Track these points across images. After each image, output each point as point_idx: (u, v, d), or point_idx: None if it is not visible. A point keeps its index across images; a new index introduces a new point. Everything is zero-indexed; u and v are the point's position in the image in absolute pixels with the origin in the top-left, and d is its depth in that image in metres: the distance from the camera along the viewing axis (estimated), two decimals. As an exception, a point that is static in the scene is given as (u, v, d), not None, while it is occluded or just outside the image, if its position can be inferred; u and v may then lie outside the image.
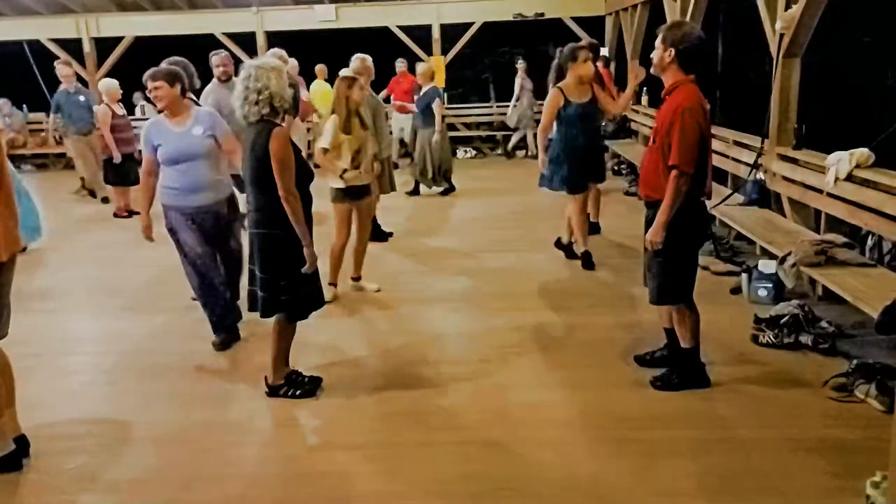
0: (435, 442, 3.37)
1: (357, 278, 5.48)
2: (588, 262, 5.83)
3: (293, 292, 3.58)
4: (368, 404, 3.76)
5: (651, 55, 3.59)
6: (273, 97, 3.40)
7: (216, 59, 6.33)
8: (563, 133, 5.69)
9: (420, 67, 9.14)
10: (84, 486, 3.11)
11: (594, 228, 6.91)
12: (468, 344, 4.49)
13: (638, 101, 10.80)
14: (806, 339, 4.15)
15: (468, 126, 13.67)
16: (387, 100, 10.79)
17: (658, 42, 3.51)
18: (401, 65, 11.33)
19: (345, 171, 4.93)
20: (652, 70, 3.61)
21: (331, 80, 11.58)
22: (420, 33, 12.97)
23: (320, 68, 11.63)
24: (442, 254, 6.47)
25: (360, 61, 6.93)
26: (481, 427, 3.48)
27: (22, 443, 3.28)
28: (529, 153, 12.14)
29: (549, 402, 3.69)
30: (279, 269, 3.55)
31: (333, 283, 5.25)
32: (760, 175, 6.03)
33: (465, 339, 4.56)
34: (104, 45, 13.21)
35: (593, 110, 5.77)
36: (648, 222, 3.61)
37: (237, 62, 5.88)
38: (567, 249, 6.20)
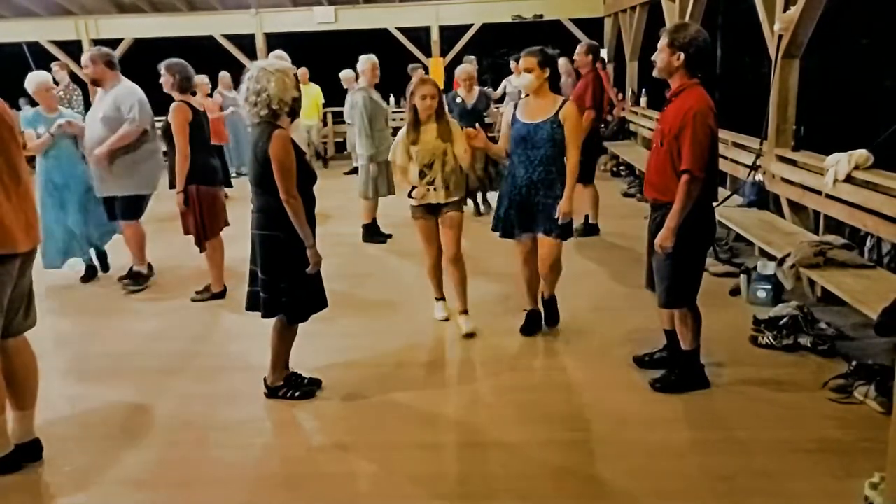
0: (434, 443, 3.38)
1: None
2: (529, 325, 4.60)
3: (293, 294, 3.58)
4: (368, 406, 3.76)
5: (653, 58, 3.55)
6: (271, 99, 3.39)
7: None
8: (509, 159, 4.39)
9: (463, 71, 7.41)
10: (82, 487, 3.11)
11: (593, 230, 6.92)
12: (467, 345, 4.49)
13: (637, 103, 10.82)
14: (805, 340, 4.15)
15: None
16: None
17: (664, 45, 3.46)
18: (416, 72, 11.10)
19: (413, 188, 4.45)
20: (655, 74, 3.58)
21: (330, 81, 11.64)
22: (419, 35, 13.00)
23: (303, 72, 11.52)
24: (441, 255, 6.46)
25: (368, 62, 6.94)
26: (481, 428, 3.48)
27: (35, 447, 3.27)
28: None
29: (549, 404, 3.69)
30: (279, 270, 3.55)
31: (439, 297, 4.92)
32: (759, 176, 6.04)
33: (465, 340, 4.55)
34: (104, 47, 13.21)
35: (544, 135, 4.13)
36: (656, 225, 3.59)
37: (239, 67, 5.89)
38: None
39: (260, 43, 12.78)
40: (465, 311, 4.69)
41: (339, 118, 12.57)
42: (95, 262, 6.17)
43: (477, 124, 4.39)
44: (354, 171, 10.54)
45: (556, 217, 4.18)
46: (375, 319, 4.99)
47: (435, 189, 4.45)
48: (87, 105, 10.46)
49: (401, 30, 12.85)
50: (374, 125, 6.70)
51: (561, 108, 4.16)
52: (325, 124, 12.06)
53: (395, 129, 8.89)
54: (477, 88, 7.50)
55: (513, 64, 11.11)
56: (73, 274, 6.12)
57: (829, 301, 4.63)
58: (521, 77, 4.21)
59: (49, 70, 9.99)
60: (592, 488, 2.98)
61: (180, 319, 5.11)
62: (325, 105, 12.15)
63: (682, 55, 3.41)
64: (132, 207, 5.62)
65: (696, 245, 3.59)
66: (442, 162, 4.40)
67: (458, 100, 7.38)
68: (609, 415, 3.56)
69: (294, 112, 3.53)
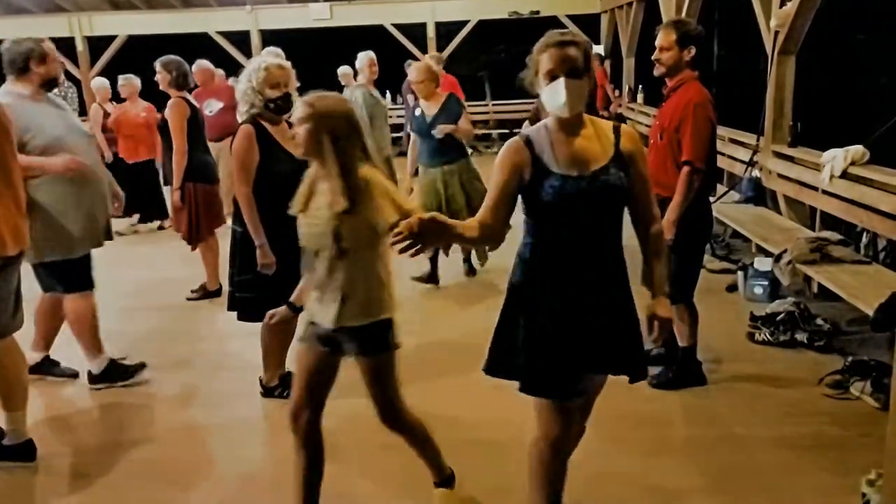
0: (431, 441, 3.36)
1: (446, 480, 2.89)
2: None
3: (247, 291, 3.56)
4: (365, 405, 3.72)
5: (655, 58, 3.54)
6: (239, 101, 3.45)
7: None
8: (530, 245, 2.39)
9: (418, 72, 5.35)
10: (81, 486, 3.10)
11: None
12: (466, 345, 4.46)
13: (634, 99, 10.82)
14: (801, 336, 4.16)
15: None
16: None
17: (671, 43, 3.45)
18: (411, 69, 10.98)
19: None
20: (660, 73, 3.54)
21: (326, 78, 11.62)
22: (415, 31, 12.97)
23: None
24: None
25: (366, 59, 6.91)
26: (480, 428, 3.48)
27: (28, 448, 3.25)
28: None
29: (546, 401, 3.68)
30: (235, 265, 3.58)
31: None
32: (756, 172, 6.04)
33: (463, 340, 4.54)
34: (97, 44, 13.17)
35: (612, 190, 2.18)
36: None
37: (235, 64, 5.82)
38: None
39: (255, 40, 12.73)
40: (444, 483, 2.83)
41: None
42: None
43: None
44: (351, 168, 10.51)
45: (649, 338, 2.52)
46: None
47: (321, 302, 2.45)
48: (82, 104, 10.42)
49: (397, 26, 12.83)
50: (373, 122, 6.71)
51: (619, 137, 2.20)
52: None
53: (393, 127, 8.94)
54: (443, 94, 5.31)
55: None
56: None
57: (825, 297, 4.63)
58: (556, 87, 2.07)
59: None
60: (589, 485, 2.97)
61: (176, 318, 5.09)
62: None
63: (694, 49, 3.44)
64: (71, 272, 3.72)
65: (693, 239, 3.60)
66: (337, 251, 2.36)
67: (418, 111, 5.24)
68: (606, 413, 3.53)
69: (275, 109, 3.46)
